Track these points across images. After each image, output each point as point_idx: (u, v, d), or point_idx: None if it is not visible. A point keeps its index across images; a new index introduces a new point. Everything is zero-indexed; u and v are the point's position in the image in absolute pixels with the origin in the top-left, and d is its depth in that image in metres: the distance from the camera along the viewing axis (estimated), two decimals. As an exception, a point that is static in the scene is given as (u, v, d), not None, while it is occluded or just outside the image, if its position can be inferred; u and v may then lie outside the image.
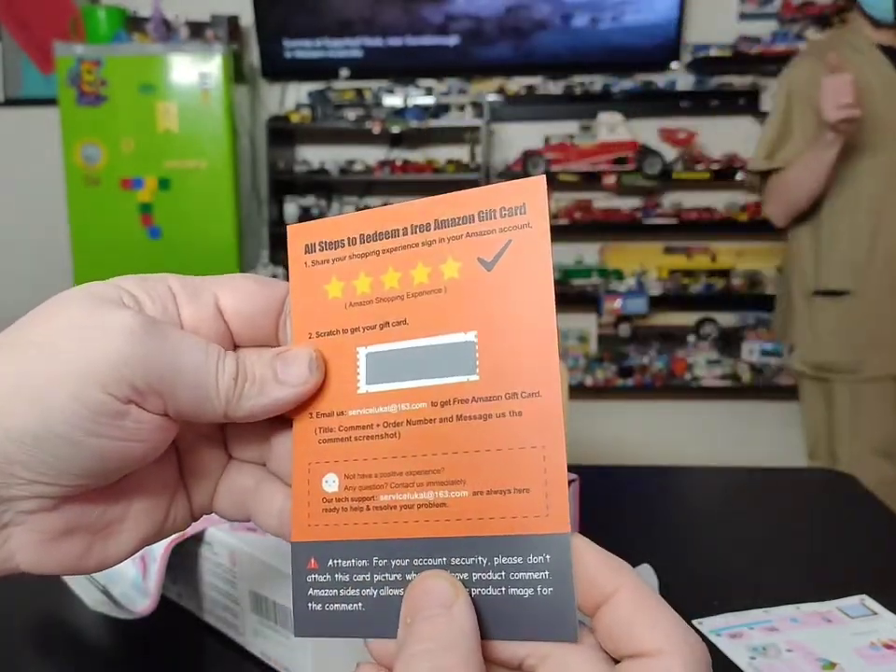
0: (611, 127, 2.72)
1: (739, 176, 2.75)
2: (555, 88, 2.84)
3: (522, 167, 2.74)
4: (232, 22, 2.72)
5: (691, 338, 2.93)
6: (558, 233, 2.85)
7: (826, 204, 1.62)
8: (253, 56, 2.86)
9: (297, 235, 0.26)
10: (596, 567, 0.21)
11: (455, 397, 0.22)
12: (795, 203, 1.63)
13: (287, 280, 0.27)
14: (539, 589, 0.21)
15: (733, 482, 0.88)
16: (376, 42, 2.83)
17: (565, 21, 2.77)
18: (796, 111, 1.64)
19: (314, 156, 2.94)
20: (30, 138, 2.92)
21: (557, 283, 2.88)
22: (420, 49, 2.82)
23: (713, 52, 2.73)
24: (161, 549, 0.41)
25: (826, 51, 1.56)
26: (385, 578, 0.23)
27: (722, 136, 2.83)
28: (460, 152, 2.86)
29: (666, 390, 2.88)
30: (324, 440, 0.24)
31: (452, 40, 2.82)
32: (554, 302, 0.22)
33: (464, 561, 0.22)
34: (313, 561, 0.24)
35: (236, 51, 2.62)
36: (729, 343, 2.91)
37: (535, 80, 2.85)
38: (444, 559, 0.22)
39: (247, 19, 2.80)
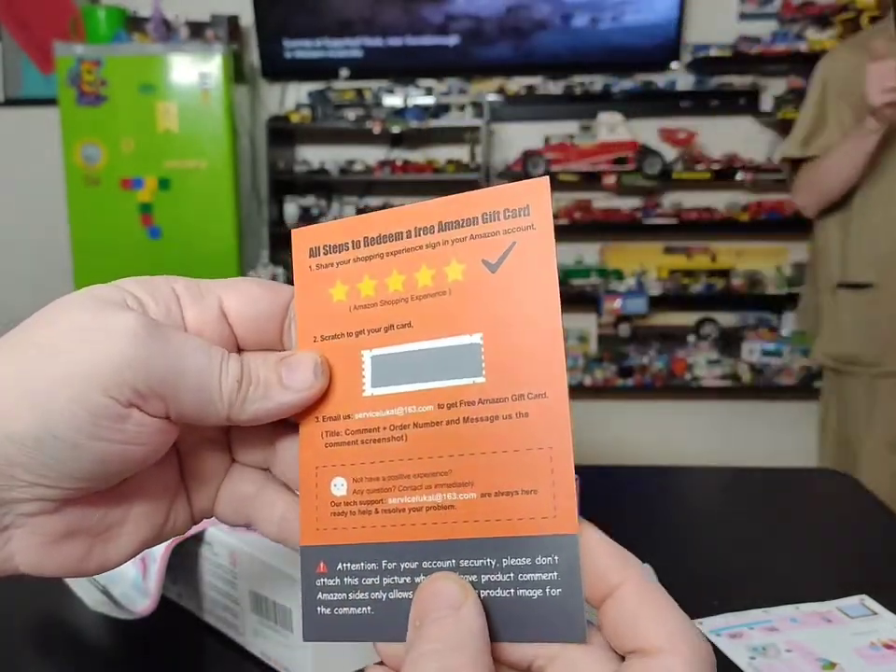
0: (611, 127, 2.72)
1: (739, 176, 2.75)
2: (555, 88, 2.84)
3: (522, 167, 2.74)
4: (232, 22, 2.72)
5: (691, 338, 2.93)
6: (558, 233, 2.80)
7: (858, 196, 1.61)
8: (253, 56, 2.86)
9: (301, 239, 0.26)
10: (604, 559, 0.21)
11: (462, 399, 0.22)
12: (828, 192, 1.62)
13: (290, 282, 0.27)
14: (547, 590, 0.21)
15: (733, 482, 0.88)
16: (376, 42, 2.83)
17: (565, 20, 2.77)
18: (831, 101, 1.63)
19: (314, 156, 2.94)
20: (30, 138, 2.92)
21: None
22: (420, 48, 2.82)
23: (713, 52, 2.73)
24: (161, 549, 0.41)
25: (864, 43, 1.56)
26: (394, 581, 0.23)
27: (722, 136, 2.83)
28: (460, 152, 2.86)
29: (666, 390, 2.87)
30: (331, 443, 0.24)
31: (452, 40, 2.82)
32: (559, 303, 0.22)
33: (473, 563, 0.22)
34: (322, 565, 0.24)
35: (236, 51, 2.62)
36: (729, 343, 2.91)
37: (535, 80, 2.85)
38: (453, 561, 0.22)
39: (247, 19, 2.80)
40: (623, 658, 0.21)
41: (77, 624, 0.46)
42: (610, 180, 2.76)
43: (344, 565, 0.23)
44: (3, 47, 2.96)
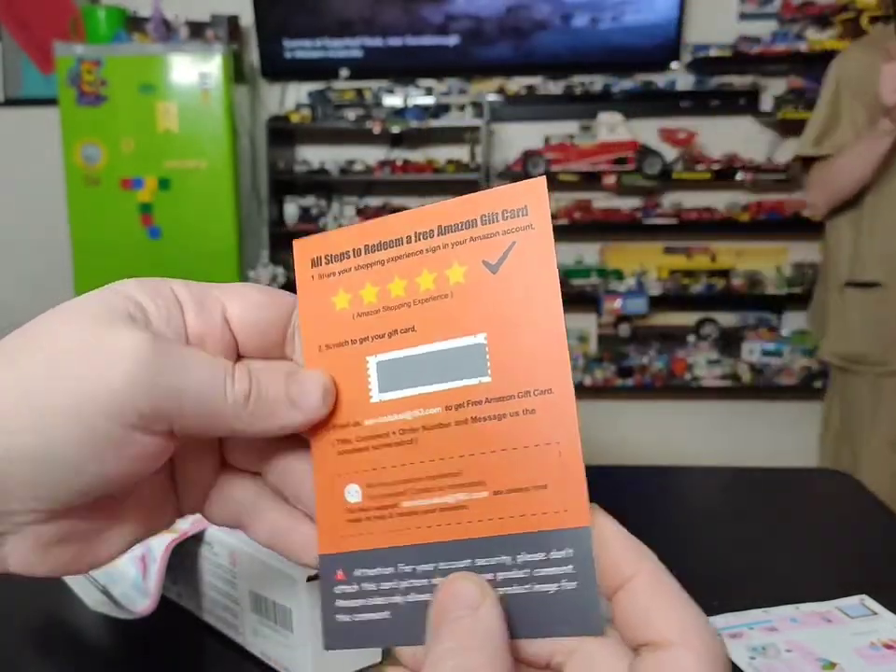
0: (611, 127, 2.72)
1: (739, 176, 2.75)
2: (555, 88, 2.83)
3: (522, 167, 2.74)
4: (232, 22, 2.72)
5: (691, 338, 2.93)
6: (558, 233, 2.82)
7: (870, 196, 1.62)
8: (253, 56, 2.86)
9: (303, 250, 0.26)
10: (618, 551, 0.21)
11: (469, 399, 0.23)
12: (840, 191, 1.62)
13: (291, 282, 0.27)
14: (563, 584, 0.21)
15: (733, 482, 0.88)
16: (376, 42, 2.83)
17: (565, 21, 2.77)
18: (844, 100, 1.64)
19: (314, 156, 2.94)
20: (30, 138, 2.92)
21: (557, 283, 2.89)
22: (420, 48, 2.82)
23: (713, 52, 2.73)
24: (161, 549, 0.41)
25: (878, 43, 1.57)
26: (411, 584, 0.23)
27: (722, 136, 2.83)
28: (460, 152, 2.86)
29: (666, 390, 2.87)
30: (342, 451, 0.25)
31: (452, 40, 2.82)
32: (561, 300, 0.22)
33: (489, 561, 0.22)
34: (340, 572, 0.24)
35: (236, 51, 2.62)
36: (729, 343, 2.91)
37: (535, 80, 2.85)
38: (469, 560, 0.22)
39: (247, 19, 2.80)
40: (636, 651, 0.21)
41: (77, 624, 0.46)
42: (610, 180, 2.76)
43: (362, 571, 0.23)
44: (3, 47, 2.96)
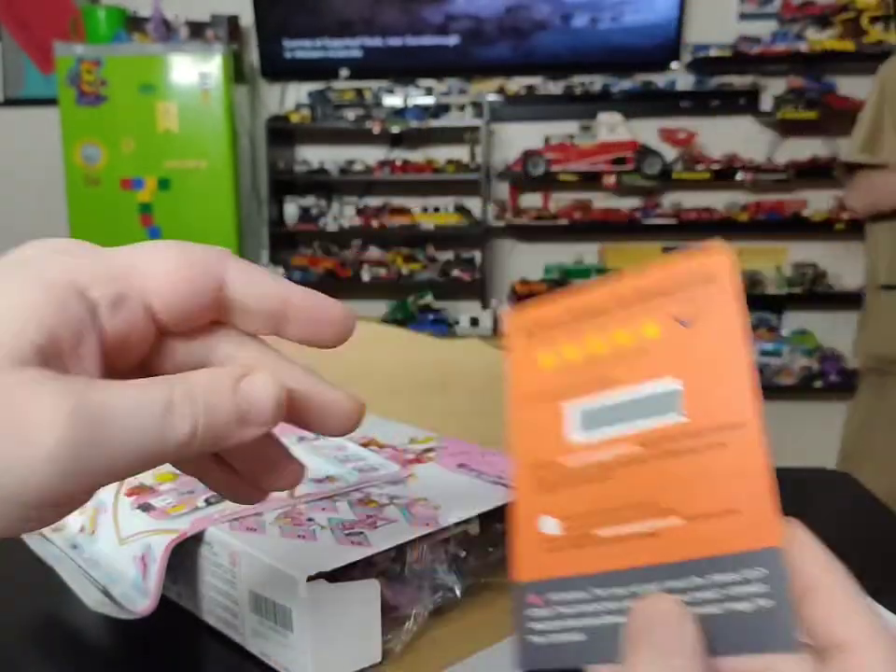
0: (611, 127, 2.72)
1: (739, 176, 2.75)
2: (555, 88, 2.84)
3: (522, 167, 2.74)
4: (232, 22, 2.72)
5: (691, 338, 2.93)
6: (558, 233, 2.85)
7: None
8: (253, 56, 2.87)
9: (515, 319, 0.28)
10: (808, 566, 0.22)
11: (664, 436, 0.24)
12: (882, 206, 1.64)
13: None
14: (758, 602, 0.22)
15: (733, 482, 0.88)
16: (376, 42, 2.83)
17: (564, 21, 2.77)
18: (888, 107, 1.64)
19: (314, 156, 2.94)
20: (30, 138, 2.92)
21: (556, 283, 2.90)
22: (420, 49, 2.82)
23: (713, 52, 2.73)
24: (160, 549, 0.41)
25: None
26: (604, 606, 0.24)
27: (722, 136, 2.83)
28: (460, 152, 2.86)
29: (666, 390, 2.87)
30: (541, 488, 0.26)
31: (452, 40, 2.82)
32: (751, 347, 0.24)
33: (682, 583, 0.23)
34: (535, 597, 0.25)
35: (236, 51, 2.62)
36: (729, 343, 2.91)
37: (535, 80, 2.85)
38: (663, 583, 0.23)
39: (247, 19, 2.80)
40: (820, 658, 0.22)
41: (77, 624, 0.46)
42: (610, 180, 2.76)
43: (557, 595, 0.25)
44: (3, 47, 2.96)
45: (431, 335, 1.04)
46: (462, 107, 2.78)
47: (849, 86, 2.72)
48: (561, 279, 2.88)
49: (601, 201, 2.90)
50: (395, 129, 2.76)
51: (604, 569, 0.24)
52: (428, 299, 2.90)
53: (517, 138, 2.87)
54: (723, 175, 2.76)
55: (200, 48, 2.51)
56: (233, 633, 0.41)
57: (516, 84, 2.85)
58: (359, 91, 2.83)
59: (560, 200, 2.86)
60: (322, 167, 2.87)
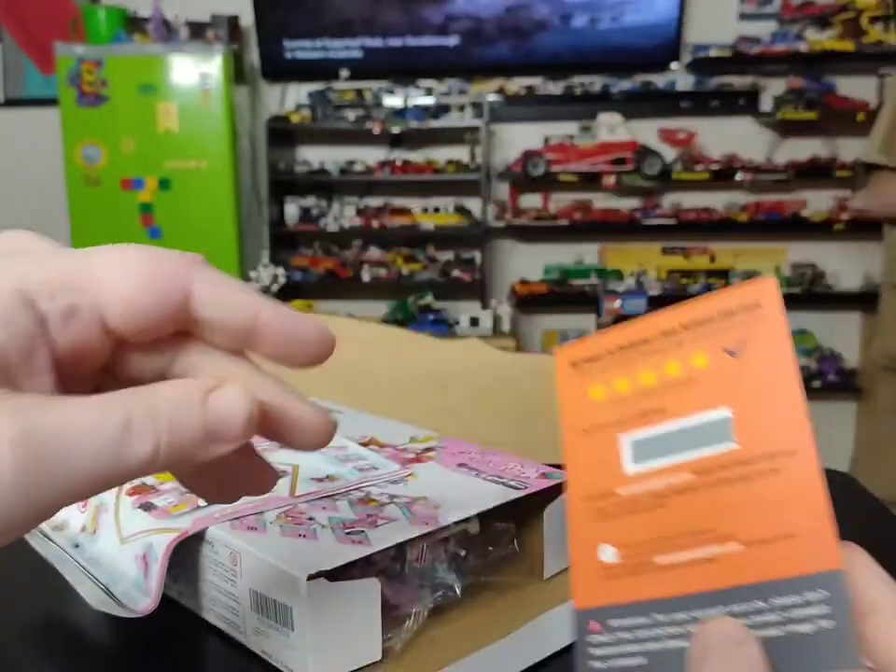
0: (611, 127, 2.72)
1: (739, 177, 2.75)
2: (555, 88, 2.84)
3: (522, 167, 2.74)
4: (232, 22, 2.72)
5: (690, 338, 2.93)
6: (558, 234, 2.86)
7: None
8: (253, 56, 2.87)
9: (564, 355, 0.29)
10: (868, 589, 0.22)
11: (717, 464, 0.25)
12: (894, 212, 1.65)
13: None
14: (820, 624, 0.22)
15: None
16: (376, 42, 2.83)
17: (564, 21, 2.77)
18: None
19: (314, 156, 2.95)
20: (30, 138, 2.92)
21: (556, 283, 2.91)
22: (420, 49, 2.82)
23: (713, 52, 2.73)
24: (162, 548, 0.41)
25: None
26: (666, 631, 0.24)
27: (722, 137, 2.83)
28: (460, 152, 2.87)
29: (666, 390, 2.87)
30: (598, 518, 0.27)
31: (452, 40, 2.82)
32: (799, 375, 0.24)
33: (742, 607, 0.23)
34: (595, 624, 0.26)
35: (236, 52, 2.62)
36: (729, 343, 2.91)
37: (535, 80, 2.85)
38: (723, 607, 0.24)
39: (247, 19, 2.81)
40: None
41: (77, 624, 0.46)
42: (610, 180, 2.76)
43: (617, 621, 0.25)
44: (3, 47, 2.96)
45: (431, 335, 1.04)
46: (462, 108, 2.78)
47: (849, 86, 2.73)
48: (561, 279, 2.88)
49: (601, 201, 2.90)
50: (395, 129, 2.77)
51: (663, 596, 0.25)
52: (429, 299, 2.90)
53: (517, 138, 2.87)
54: (723, 175, 2.76)
55: (200, 48, 2.51)
56: (234, 631, 0.42)
57: (516, 84, 2.85)
58: (359, 92, 2.83)
59: (560, 200, 2.86)
60: (322, 167, 2.87)
